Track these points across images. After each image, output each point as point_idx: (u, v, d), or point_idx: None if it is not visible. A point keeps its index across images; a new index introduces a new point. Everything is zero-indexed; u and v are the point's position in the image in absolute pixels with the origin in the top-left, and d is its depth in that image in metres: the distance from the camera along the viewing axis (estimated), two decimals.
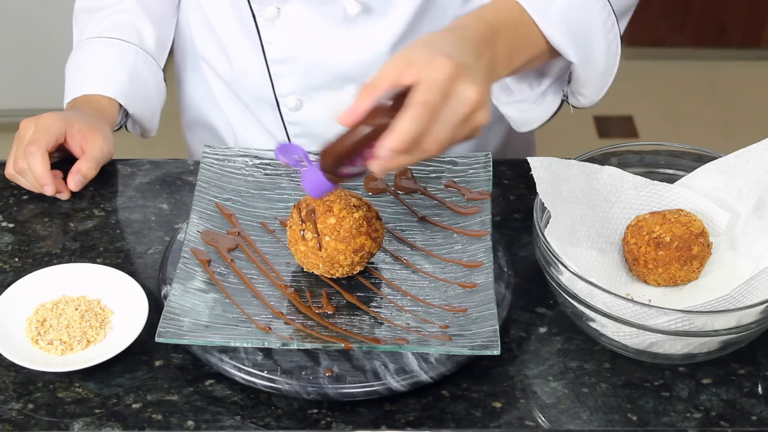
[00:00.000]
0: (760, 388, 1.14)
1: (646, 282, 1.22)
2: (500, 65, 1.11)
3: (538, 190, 1.18)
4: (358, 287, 1.21)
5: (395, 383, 1.11)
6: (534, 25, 1.16)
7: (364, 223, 1.18)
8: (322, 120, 1.44)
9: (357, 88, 1.28)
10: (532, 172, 1.18)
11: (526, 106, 1.29)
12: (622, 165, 1.26)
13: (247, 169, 1.32)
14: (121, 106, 1.41)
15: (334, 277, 1.20)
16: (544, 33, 1.17)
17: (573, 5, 1.18)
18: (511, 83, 1.28)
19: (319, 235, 1.17)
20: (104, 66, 1.39)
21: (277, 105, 1.44)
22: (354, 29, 1.37)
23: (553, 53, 1.21)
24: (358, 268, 1.20)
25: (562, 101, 1.31)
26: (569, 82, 1.29)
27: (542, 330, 1.20)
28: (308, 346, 1.13)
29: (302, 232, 1.18)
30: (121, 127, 1.45)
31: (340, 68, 1.40)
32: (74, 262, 1.26)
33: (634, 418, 1.11)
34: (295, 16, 1.37)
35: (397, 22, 1.37)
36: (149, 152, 2.44)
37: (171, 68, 1.53)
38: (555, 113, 1.31)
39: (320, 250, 1.18)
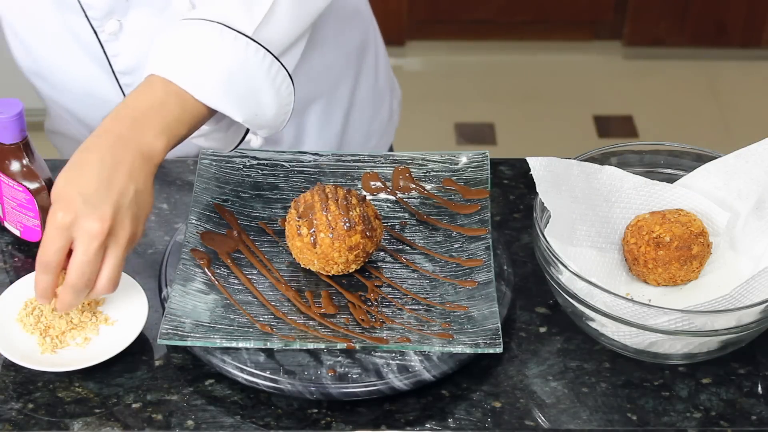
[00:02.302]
0: (760, 388, 1.14)
1: (645, 282, 1.22)
2: (152, 147, 1.15)
3: (538, 190, 1.18)
4: (359, 287, 1.21)
5: (398, 382, 1.11)
6: (189, 97, 1.17)
7: (361, 221, 1.18)
8: None
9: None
10: (532, 172, 1.18)
11: (220, 135, 1.28)
12: (622, 165, 1.26)
13: (245, 169, 1.32)
14: None
15: (330, 274, 1.20)
16: (205, 104, 1.18)
17: (232, 71, 1.18)
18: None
19: (314, 231, 1.17)
20: None
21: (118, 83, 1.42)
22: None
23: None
24: (354, 266, 1.20)
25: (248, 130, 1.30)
26: None
27: (542, 330, 1.20)
28: (311, 345, 1.13)
29: (298, 228, 1.18)
30: None
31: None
32: None
33: (634, 417, 1.11)
34: (137, 27, 1.34)
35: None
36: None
37: None
38: (242, 140, 1.29)
39: (315, 246, 1.18)
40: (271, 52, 1.21)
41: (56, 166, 1.37)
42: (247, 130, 1.27)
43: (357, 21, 1.54)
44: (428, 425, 1.10)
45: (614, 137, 3.04)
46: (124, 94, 1.40)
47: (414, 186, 1.32)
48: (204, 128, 1.26)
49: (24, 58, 1.44)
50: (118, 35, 1.35)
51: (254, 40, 1.19)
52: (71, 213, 1.09)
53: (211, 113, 1.21)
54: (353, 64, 1.53)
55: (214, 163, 1.32)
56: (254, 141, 1.29)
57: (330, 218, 1.17)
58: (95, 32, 1.36)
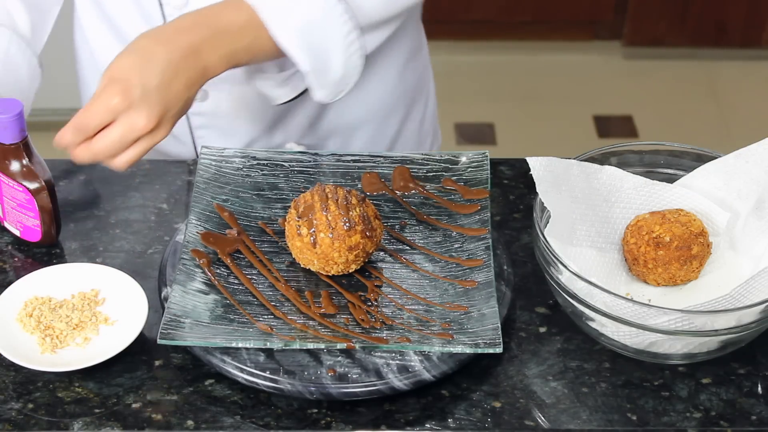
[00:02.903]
0: (759, 388, 1.14)
1: (645, 282, 1.22)
2: (211, 69, 1.21)
3: (538, 190, 1.18)
4: (359, 286, 1.21)
5: (398, 382, 1.11)
6: (265, 31, 1.23)
7: (360, 221, 1.18)
8: (228, 111, 1.44)
9: (263, 79, 1.39)
10: (532, 172, 1.18)
11: (272, 83, 1.36)
12: (622, 165, 1.26)
13: (245, 169, 1.32)
14: None
15: (330, 273, 1.20)
16: (278, 42, 1.24)
17: (312, 21, 1.24)
18: (262, 65, 1.35)
19: (314, 231, 1.18)
20: None
21: None
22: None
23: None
24: (354, 266, 1.20)
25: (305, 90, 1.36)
26: None
27: (542, 330, 1.20)
28: (311, 345, 1.13)
29: (298, 228, 1.18)
30: None
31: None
32: (74, 262, 1.26)
33: (634, 417, 1.11)
34: (203, 3, 1.35)
35: (307, 8, 1.36)
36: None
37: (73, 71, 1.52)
38: (302, 94, 1.37)
39: (315, 246, 1.18)
40: (352, 21, 1.26)
41: (56, 166, 1.37)
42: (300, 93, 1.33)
43: (418, 63, 1.57)
44: (428, 425, 1.10)
45: (614, 137, 3.04)
46: None
47: (414, 186, 1.32)
48: (258, 73, 1.32)
49: None
50: (182, 9, 1.36)
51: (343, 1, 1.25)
52: (127, 101, 1.15)
53: (277, 55, 1.25)
54: (406, 102, 1.56)
55: (214, 163, 1.32)
56: (316, 93, 1.31)
57: (330, 218, 1.17)
58: (161, 5, 1.37)
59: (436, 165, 1.33)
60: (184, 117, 1.44)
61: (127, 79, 1.15)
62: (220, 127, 1.45)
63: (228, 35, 1.21)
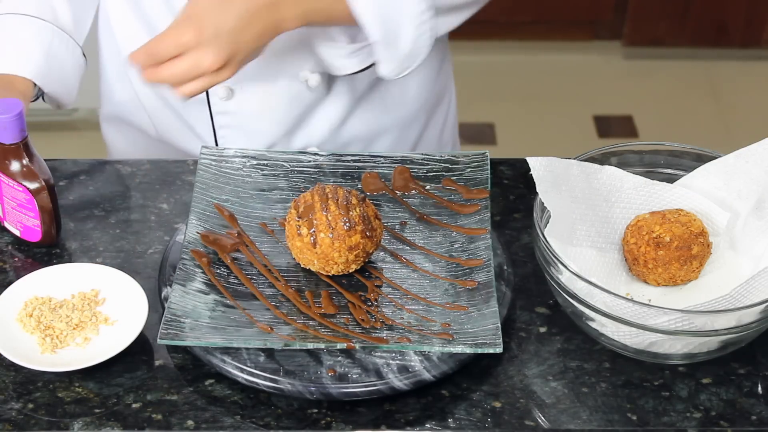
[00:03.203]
0: (759, 388, 1.14)
1: (645, 282, 1.22)
2: (285, 23, 1.25)
3: (538, 190, 1.18)
4: (359, 286, 1.21)
5: (398, 382, 1.11)
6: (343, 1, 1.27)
7: (360, 221, 1.18)
8: (253, 111, 1.44)
9: (289, 82, 1.41)
10: (532, 172, 1.18)
11: (339, 52, 1.37)
12: (622, 165, 1.26)
13: (245, 169, 1.32)
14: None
15: (330, 273, 1.20)
16: (353, 9, 1.28)
17: None
18: (332, 33, 1.37)
19: (314, 231, 1.18)
20: (20, 46, 1.37)
21: (207, 95, 1.43)
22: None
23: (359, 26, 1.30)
24: (354, 266, 1.20)
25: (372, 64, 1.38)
26: None
27: (542, 330, 1.20)
28: (311, 345, 1.13)
29: (298, 228, 1.18)
30: (36, 99, 1.42)
31: (274, 58, 1.39)
32: (74, 262, 1.26)
33: (634, 417, 1.11)
34: None
35: None
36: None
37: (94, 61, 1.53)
38: (368, 68, 1.38)
39: (315, 246, 1.18)
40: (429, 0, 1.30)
41: (56, 166, 1.37)
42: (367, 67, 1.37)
43: (442, 72, 1.59)
44: (428, 425, 1.10)
45: (614, 137, 3.04)
46: None
47: (414, 186, 1.32)
48: (328, 42, 1.36)
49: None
50: None
51: None
52: (197, 39, 1.20)
53: (350, 21, 1.29)
54: (427, 110, 1.57)
55: (214, 163, 1.32)
56: (383, 67, 1.34)
57: (330, 218, 1.17)
58: None
59: (436, 165, 1.33)
60: (207, 116, 1.45)
61: (202, 17, 1.20)
62: (243, 128, 1.45)
63: None
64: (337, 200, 1.19)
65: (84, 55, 1.44)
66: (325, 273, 1.21)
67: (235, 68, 1.23)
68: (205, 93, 1.43)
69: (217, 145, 1.48)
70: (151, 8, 1.41)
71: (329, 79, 1.43)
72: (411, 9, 1.30)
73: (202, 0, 1.22)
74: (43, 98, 1.40)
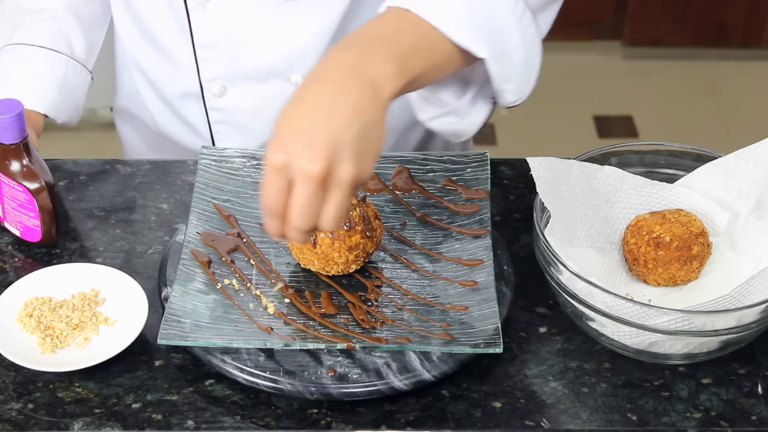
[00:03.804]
0: (760, 388, 1.14)
1: (646, 282, 1.22)
2: (383, 83, 1.04)
3: (538, 190, 1.18)
4: (359, 287, 1.21)
5: (398, 382, 1.11)
6: (430, 28, 1.09)
7: (360, 221, 1.18)
8: (245, 109, 1.44)
9: (281, 84, 1.35)
10: (532, 172, 1.18)
11: (454, 118, 1.21)
12: (622, 165, 1.26)
13: (245, 169, 1.32)
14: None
15: (330, 274, 1.20)
16: (444, 33, 1.09)
17: (473, 3, 1.11)
18: (437, 95, 1.20)
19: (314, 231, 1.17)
20: (35, 79, 1.38)
21: (201, 91, 1.44)
22: (282, 17, 1.37)
23: (467, 55, 1.13)
24: (354, 267, 1.20)
25: (494, 104, 1.24)
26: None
27: (542, 330, 1.20)
28: (311, 346, 1.13)
29: None
30: None
31: (266, 58, 1.40)
32: (74, 262, 1.26)
33: (634, 418, 1.11)
34: (226, 1, 1.36)
35: (326, 15, 1.36)
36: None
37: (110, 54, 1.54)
38: (487, 118, 1.24)
39: (315, 246, 1.18)
40: None
41: (56, 166, 1.37)
42: (491, 111, 1.20)
43: None
44: (428, 425, 1.10)
45: (614, 137, 3.04)
46: (198, 69, 1.42)
47: (414, 186, 1.32)
48: (436, 110, 1.19)
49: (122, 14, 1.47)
50: (205, 5, 1.36)
51: None
52: (285, 152, 0.99)
53: (451, 53, 1.11)
54: None
55: (214, 163, 1.32)
56: (506, 91, 1.17)
57: None
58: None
59: (436, 165, 1.33)
60: (203, 112, 1.45)
61: (282, 130, 1.01)
62: (238, 124, 1.46)
63: (384, 42, 1.06)
64: None
65: (92, 77, 1.46)
66: (325, 273, 1.21)
67: (355, 160, 1.00)
68: (200, 89, 1.43)
69: (213, 140, 1.48)
70: (144, 4, 1.42)
71: None
72: (505, 7, 1.14)
73: (278, 116, 1.03)
74: (46, 118, 1.41)
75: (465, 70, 1.17)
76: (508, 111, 1.24)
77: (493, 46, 1.13)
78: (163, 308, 1.17)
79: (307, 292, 1.20)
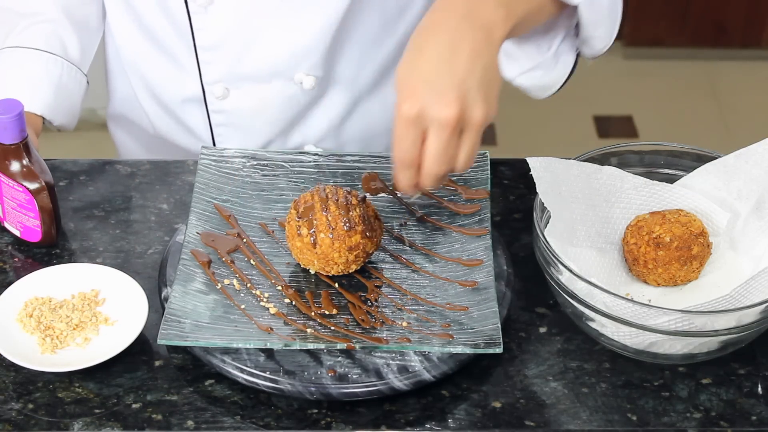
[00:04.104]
0: (760, 388, 1.14)
1: (645, 282, 1.22)
2: (495, 27, 1.08)
3: (537, 190, 1.18)
4: (359, 287, 1.21)
5: (398, 382, 1.11)
6: None
7: (360, 221, 1.18)
8: (248, 110, 1.44)
9: (284, 84, 1.35)
10: (532, 172, 1.18)
11: (540, 72, 1.25)
12: (622, 165, 1.26)
13: (245, 170, 1.32)
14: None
15: (330, 274, 1.20)
16: None
17: None
18: (522, 50, 1.23)
19: (314, 231, 1.18)
20: (30, 81, 1.38)
21: (203, 93, 1.44)
22: (284, 17, 1.37)
23: (555, 5, 1.17)
24: (354, 267, 1.20)
25: (577, 57, 1.27)
26: (577, 34, 1.25)
27: (542, 330, 1.20)
28: (310, 346, 1.13)
29: (298, 228, 1.18)
30: None
31: (269, 59, 1.40)
32: (74, 262, 1.26)
33: (634, 418, 1.11)
34: (228, 2, 1.36)
35: (327, 13, 1.37)
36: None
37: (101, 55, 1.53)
38: (572, 71, 1.27)
39: (315, 247, 1.18)
40: None
41: (56, 166, 1.37)
42: (572, 70, 1.24)
43: None
44: (428, 425, 1.10)
45: (614, 137, 3.04)
46: (200, 72, 1.42)
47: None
48: (529, 63, 1.22)
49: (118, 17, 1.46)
50: (207, 8, 1.36)
51: None
52: (417, 103, 1.04)
53: (541, 12, 1.15)
54: None
55: (214, 163, 1.32)
56: (595, 38, 1.22)
57: (330, 218, 1.17)
58: (186, 2, 1.37)
59: None
60: (204, 115, 1.45)
61: (409, 82, 1.05)
62: (239, 126, 1.46)
63: None
64: (337, 200, 1.19)
65: (87, 80, 1.45)
66: (325, 273, 1.21)
67: (483, 101, 1.05)
68: (201, 92, 1.44)
69: (214, 143, 1.48)
70: (144, 8, 1.42)
71: (325, 81, 1.43)
72: None
73: (398, 69, 1.07)
74: (43, 122, 1.41)
75: (549, 21, 1.20)
76: (591, 62, 1.26)
77: None
78: (163, 308, 1.17)
79: (307, 292, 1.20)
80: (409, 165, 1.07)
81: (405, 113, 1.04)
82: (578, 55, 1.28)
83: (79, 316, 1.18)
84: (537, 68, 1.25)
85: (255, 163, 1.33)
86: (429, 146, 1.05)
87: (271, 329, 1.15)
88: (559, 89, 1.29)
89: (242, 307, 1.18)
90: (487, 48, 1.07)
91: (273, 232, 1.27)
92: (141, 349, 1.16)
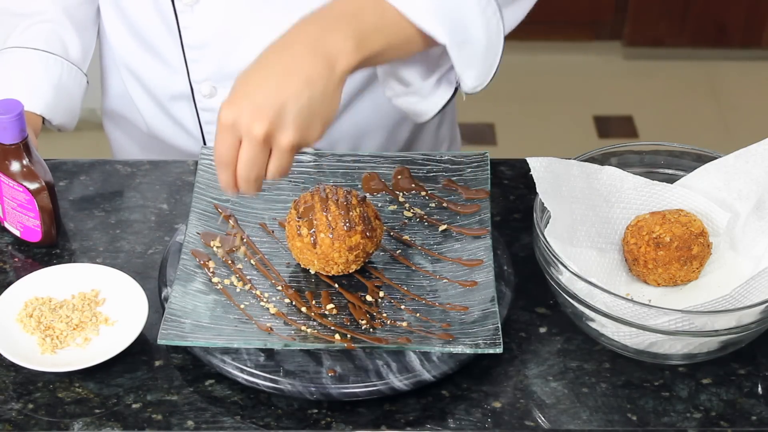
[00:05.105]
0: (760, 388, 1.14)
1: (646, 282, 1.22)
2: (340, 54, 1.11)
3: (538, 190, 1.18)
4: (359, 287, 1.21)
5: (398, 382, 1.11)
6: (393, 9, 1.14)
7: (360, 221, 1.18)
8: None
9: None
10: (532, 172, 1.18)
11: (415, 99, 1.26)
12: (622, 165, 1.26)
13: None
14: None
15: (330, 274, 1.20)
16: (408, 17, 1.14)
17: None
18: (400, 75, 1.24)
19: (314, 231, 1.18)
20: (31, 81, 1.38)
21: (192, 92, 1.44)
22: (270, 16, 1.36)
23: (428, 39, 1.17)
24: (354, 267, 1.20)
25: (456, 88, 1.27)
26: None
27: (542, 330, 1.20)
28: (310, 346, 1.13)
29: (298, 228, 1.18)
30: None
31: (255, 57, 1.39)
32: (74, 262, 1.26)
33: (634, 418, 1.11)
34: (214, 1, 1.36)
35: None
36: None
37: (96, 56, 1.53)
38: (449, 101, 1.27)
39: (315, 247, 1.18)
40: None
41: (56, 166, 1.37)
42: (453, 94, 1.25)
43: None
44: (428, 425, 1.10)
45: (614, 137, 3.04)
46: (188, 70, 1.42)
47: (414, 186, 1.32)
48: (400, 88, 1.24)
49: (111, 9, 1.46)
50: (193, 7, 1.36)
51: None
52: (235, 111, 1.09)
53: (411, 37, 1.16)
54: None
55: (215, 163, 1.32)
56: (466, 78, 1.22)
57: (330, 218, 1.17)
58: (173, 1, 1.37)
59: (436, 165, 1.33)
60: (194, 112, 1.45)
61: (236, 92, 1.11)
62: None
63: (345, 19, 1.12)
64: (337, 200, 1.19)
65: (87, 80, 1.46)
66: (325, 273, 1.21)
67: (299, 127, 1.09)
68: (190, 90, 1.44)
69: (204, 141, 1.48)
70: (133, 7, 1.42)
71: None
72: None
73: (236, 79, 1.12)
74: (43, 122, 1.41)
75: (432, 52, 1.21)
76: (466, 97, 1.29)
77: (455, 33, 1.17)
78: (163, 308, 1.17)
79: (307, 292, 1.20)
80: (225, 165, 1.12)
81: (224, 119, 1.10)
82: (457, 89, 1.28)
83: (79, 316, 1.18)
84: (415, 94, 1.25)
85: None
86: (241, 152, 1.11)
87: (271, 329, 1.15)
88: (434, 116, 1.28)
89: (242, 307, 1.18)
90: (324, 78, 1.10)
91: (273, 232, 1.27)
92: (141, 349, 1.16)
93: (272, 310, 1.18)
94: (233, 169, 1.12)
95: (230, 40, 1.39)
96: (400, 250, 1.25)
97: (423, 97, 1.25)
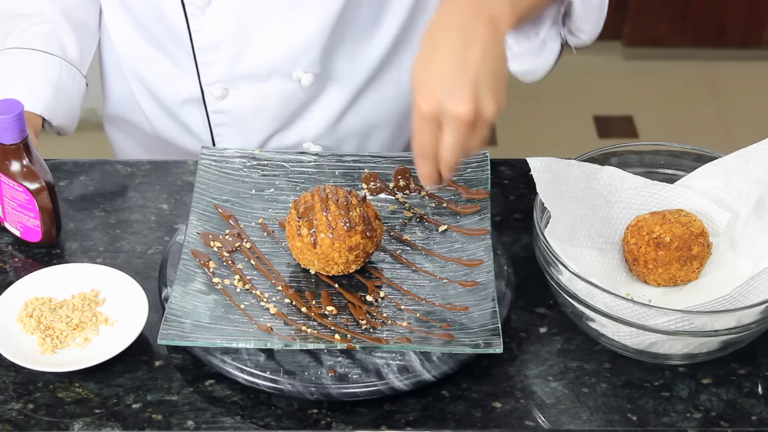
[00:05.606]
0: (760, 388, 1.14)
1: (646, 282, 1.22)
2: (501, 20, 1.12)
3: (538, 190, 1.18)
4: (359, 287, 1.21)
5: (398, 382, 1.11)
6: None
7: (361, 221, 1.18)
8: (247, 109, 1.44)
9: (282, 82, 1.36)
10: (532, 172, 1.18)
11: (527, 58, 1.30)
12: (622, 165, 1.26)
13: (244, 170, 1.32)
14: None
15: (330, 274, 1.20)
16: None
17: None
18: (510, 38, 1.26)
19: (314, 231, 1.18)
20: (30, 81, 1.38)
21: (202, 94, 1.44)
22: (281, 15, 1.37)
23: None
24: (354, 267, 1.20)
25: (561, 46, 1.32)
26: (564, 24, 1.31)
27: (542, 330, 1.20)
28: (311, 346, 1.13)
29: (298, 228, 1.18)
30: None
31: (267, 57, 1.40)
32: (74, 262, 1.26)
33: (634, 418, 1.11)
34: (225, 3, 1.37)
35: (324, 10, 1.37)
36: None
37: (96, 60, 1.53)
38: (557, 59, 1.32)
39: (315, 247, 1.18)
40: None
41: (56, 166, 1.37)
42: (560, 51, 1.30)
43: None
44: (428, 425, 1.10)
45: (614, 137, 3.04)
46: (198, 73, 1.42)
47: (414, 186, 1.32)
48: (518, 48, 1.28)
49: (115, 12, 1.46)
50: (205, 9, 1.36)
51: None
52: (434, 101, 1.08)
53: (542, 2, 1.19)
54: None
55: (214, 163, 1.32)
56: (582, 31, 1.28)
57: (330, 218, 1.17)
58: (183, 4, 1.37)
59: None
60: (203, 115, 1.45)
61: (425, 81, 1.10)
62: (239, 125, 1.46)
63: None
64: (337, 200, 1.19)
65: (86, 82, 1.45)
66: (325, 273, 1.21)
67: (494, 94, 1.09)
68: (200, 93, 1.44)
69: (213, 142, 1.48)
70: (141, 11, 1.42)
71: (323, 78, 1.43)
72: None
73: (414, 67, 1.11)
74: (43, 125, 1.41)
75: (547, 11, 1.26)
76: (576, 52, 1.33)
77: None
78: (163, 308, 1.17)
79: (307, 292, 1.20)
80: (428, 157, 1.12)
81: (423, 111, 1.09)
82: (563, 44, 1.33)
83: (79, 316, 1.18)
84: (525, 54, 1.29)
85: (255, 163, 1.33)
86: (445, 140, 1.10)
87: (271, 329, 1.15)
88: (545, 74, 1.33)
89: (242, 307, 1.18)
90: (495, 42, 1.10)
91: (273, 232, 1.27)
92: (141, 349, 1.16)
93: (272, 310, 1.18)
94: (437, 161, 1.11)
95: (241, 41, 1.39)
96: (400, 250, 1.25)
97: (534, 56, 1.30)
